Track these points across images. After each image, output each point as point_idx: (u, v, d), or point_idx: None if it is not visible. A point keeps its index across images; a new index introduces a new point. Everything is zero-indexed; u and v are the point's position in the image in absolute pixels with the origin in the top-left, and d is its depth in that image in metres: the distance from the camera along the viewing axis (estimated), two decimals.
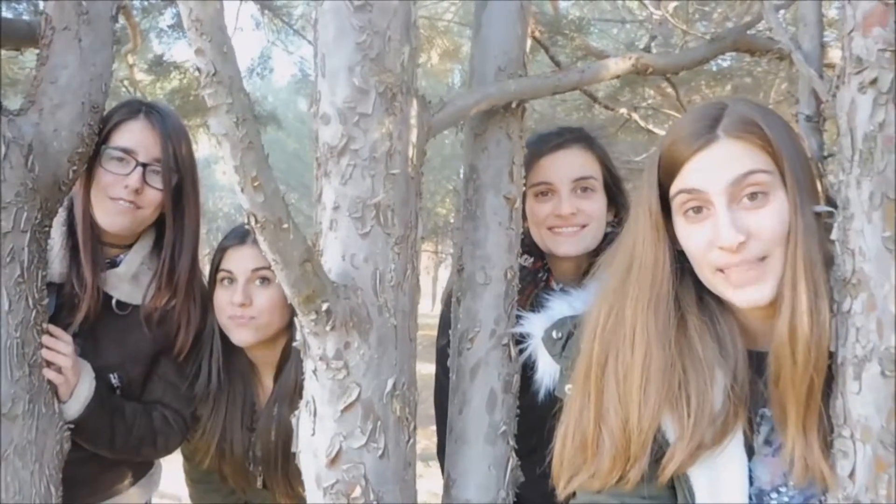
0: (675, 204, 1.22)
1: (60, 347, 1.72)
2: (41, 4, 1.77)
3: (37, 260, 1.66)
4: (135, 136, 1.83)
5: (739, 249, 1.14)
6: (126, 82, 5.08)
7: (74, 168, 1.71)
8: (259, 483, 2.05)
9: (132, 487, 2.10)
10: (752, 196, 1.15)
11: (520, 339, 1.63)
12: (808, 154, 1.21)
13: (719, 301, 1.23)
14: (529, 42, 1.79)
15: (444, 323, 1.91)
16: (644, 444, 1.20)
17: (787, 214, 1.14)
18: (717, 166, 1.16)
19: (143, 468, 2.13)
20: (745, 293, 1.16)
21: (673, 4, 3.44)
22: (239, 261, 1.94)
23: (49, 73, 1.69)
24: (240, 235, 1.97)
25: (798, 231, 1.13)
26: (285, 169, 17.72)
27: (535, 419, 1.60)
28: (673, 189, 1.22)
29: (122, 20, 4.06)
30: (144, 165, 1.83)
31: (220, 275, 1.96)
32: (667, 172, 1.23)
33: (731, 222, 1.14)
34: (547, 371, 1.50)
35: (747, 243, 1.14)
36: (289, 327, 1.95)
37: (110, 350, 1.89)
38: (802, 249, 1.12)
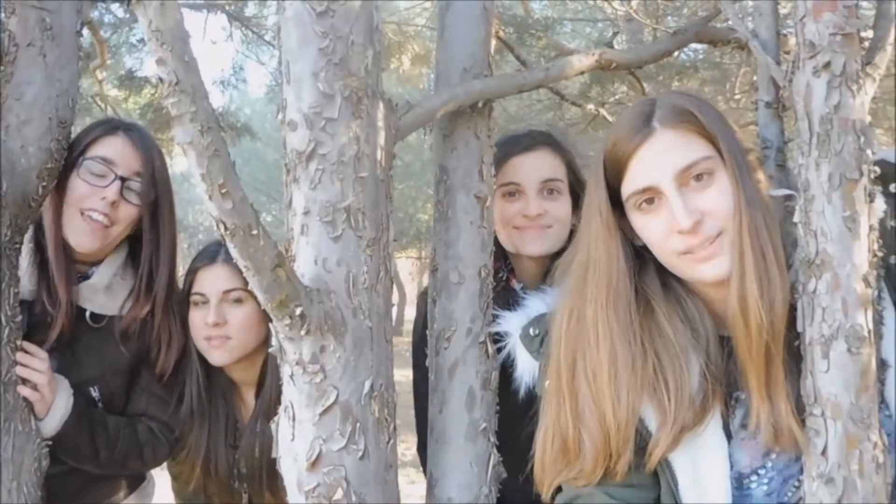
0: (629, 205, 1.25)
1: (35, 364, 1.71)
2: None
3: (8, 277, 1.65)
4: (115, 149, 1.84)
5: (696, 229, 1.17)
6: (97, 98, 5.05)
7: (44, 184, 1.70)
8: (245, 501, 2.04)
9: (128, 498, 2.08)
10: (699, 177, 1.19)
11: (498, 338, 1.64)
12: (739, 135, 1.24)
13: (684, 285, 1.26)
14: (494, 43, 1.80)
15: (419, 323, 1.93)
16: (625, 438, 1.21)
17: (732, 190, 1.17)
18: (659, 158, 1.20)
19: (136, 479, 2.12)
20: (710, 266, 1.19)
21: (636, 1, 3.48)
22: (210, 282, 1.94)
23: (14, 89, 1.68)
24: (210, 255, 1.97)
25: (741, 203, 1.16)
26: (265, 180, 17.62)
27: (515, 416, 1.61)
28: (624, 192, 1.25)
29: (90, 36, 4.04)
30: (123, 179, 1.83)
31: (193, 297, 1.96)
32: (612, 172, 1.26)
33: (684, 206, 1.17)
34: (526, 368, 1.51)
35: (703, 222, 1.18)
36: (265, 344, 1.95)
37: (89, 363, 1.88)
38: (746, 219, 1.16)
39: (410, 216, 15.36)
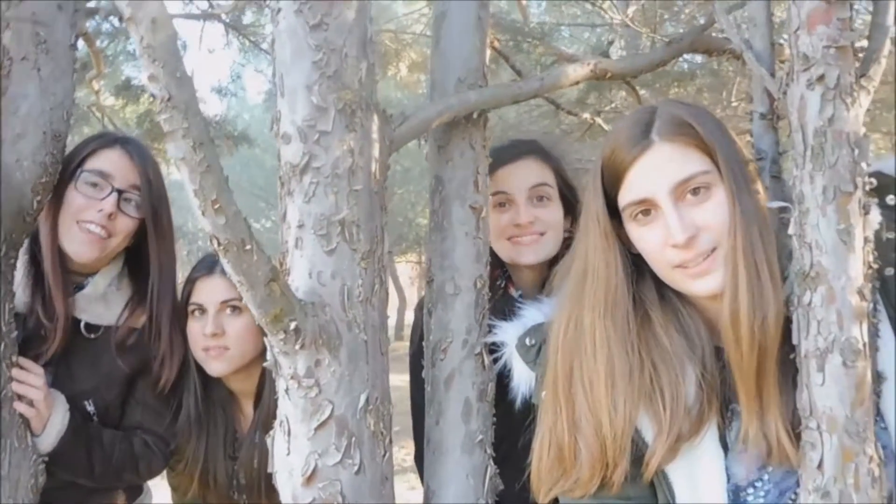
0: (625, 215, 1.25)
1: (31, 380, 1.70)
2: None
3: (3, 293, 1.65)
4: (112, 162, 1.85)
5: (691, 244, 1.17)
6: (94, 108, 5.04)
7: (38, 198, 1.70)
8: None
9: None
10: (695, 191, 1.19)
11: (494, 348, 1.64)
12: (739, 145, 1.24)
13: (680, 295, 1.26)
14: (490, 52, 1.80)
15: (416, 335, 1.92)
16: (622, 448, 1.21)
17: (728, 204, 1.17)
18: (656, 170, 1.19)
19: (134, 490, 2.12)
20: (704, 282, 1.19)
21: (633, 8, 3.49)
22: (208, 292, 1.95)
23: (9, 103, 1.67)
24: (208, 266, 1.98)
25: (736, 217, 1.16)
26: (264, 185, 17.62)
27: (512, 426, 1.61)
28: (621, 202, 1.25)
29: (85, 47, 4.04)
30: (120, 192, 1.83)
31: (191, 307, 1.96)
32: (610, 181, 1.26)
33: (679, 220, 1.17)
34: (522, 378, 1.50)
35: (698, 237, 1.17)
36: (264, 354, 1.95)
37: (83, 376, 1.88)
38: (741, 234, 1.15)
39: (410, 221, 15.35)
